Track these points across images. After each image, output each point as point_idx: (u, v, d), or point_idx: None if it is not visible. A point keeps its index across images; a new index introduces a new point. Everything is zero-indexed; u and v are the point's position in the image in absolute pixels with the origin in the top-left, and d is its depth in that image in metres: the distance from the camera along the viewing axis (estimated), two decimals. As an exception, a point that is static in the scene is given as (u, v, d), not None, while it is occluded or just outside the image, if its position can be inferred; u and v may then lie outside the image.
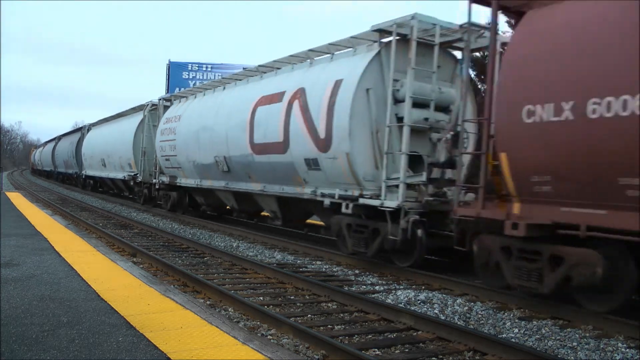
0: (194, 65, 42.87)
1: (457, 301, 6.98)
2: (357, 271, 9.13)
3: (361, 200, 9.20)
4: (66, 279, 6.22)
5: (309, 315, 6.28)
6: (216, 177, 14.31)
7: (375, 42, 9.56)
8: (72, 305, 5.05)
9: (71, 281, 6.10)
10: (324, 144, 9.80)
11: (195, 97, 16.48)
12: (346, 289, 7.50)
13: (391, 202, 8.63)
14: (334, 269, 9.29)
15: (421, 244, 8.47)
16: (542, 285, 6.33)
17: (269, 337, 5.33)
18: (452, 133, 8.08)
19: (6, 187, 32.03)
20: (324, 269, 9.30)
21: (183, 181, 16.38)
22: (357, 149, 9.27)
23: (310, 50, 11.06)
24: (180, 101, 17.58)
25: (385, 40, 9.32)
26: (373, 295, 7.17)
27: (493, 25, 7.15)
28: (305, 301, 6.98)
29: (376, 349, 5.16)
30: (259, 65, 12.89)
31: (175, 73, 42.47)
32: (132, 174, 21.29)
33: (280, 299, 7.08)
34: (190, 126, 15.31)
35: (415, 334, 5.69)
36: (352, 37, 9.94)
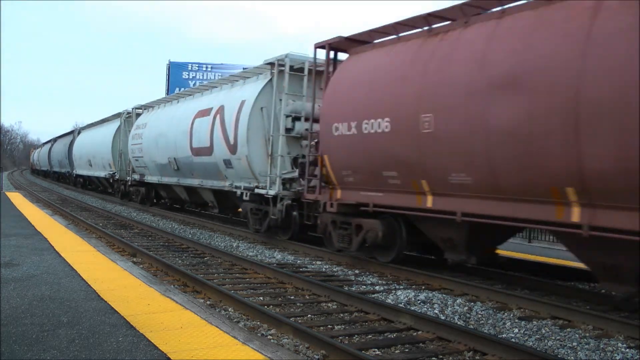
0: (194, 65, 42.89)
1: (457, 301, 6.98)
2: (357, 271, 9.14)
3: (256, 190, 12.24)
4: (66, 279, 6.22)
5: (309, 315, 6.28)
6: (171, 175, 17.58)
7: (269, 71, 12.46)
8: (72, 305, 5.05)
9: (71, 281, 6.10)
10: (233, 149, 12.84)
11: (159, 107, 19.79)
12: (346, 289, 7.50)
13: (272, 191, 11.62)
14: (334, 269, 9.29)
15: (295, 221, 11.50)
16: (351, 246, 9.39)
17: (269, 337, 5.33)
18: (316, 140, 10.19)
19: (6, 187, 32.03)
20: (324, 269, 9.30)
21: (149, 178, 19.61)
22: (254, 152, 12.23)
23: (232, 75, 15.01)
24: (148, 111, 20.79)
25: (274, 70, 12.04)
26: (373, 295, 7.17)
27: (326, 65, 10.04)
28: (305, 301, 6.98)
29: (376, 349, 5.16)
30: (200, 85, 17.29)
31: (175, 73, 42.49)
32: (111, 172, 24.71)
33: (280, 299, 7.08)
34: (152, 132, 18.55)
35: (415, 334, 5.69)
36: (255, 67, 13.22)
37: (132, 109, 22.50)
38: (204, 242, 11.70)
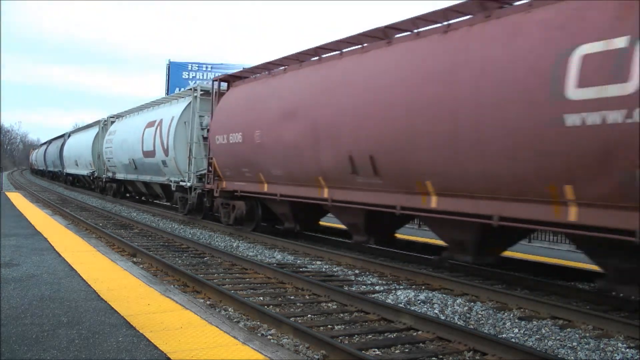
0: (193, 65, 42.93)
1: (457, 301, 6.98)
2: (357, 271, 9.14)
3: (181, 183, 16.65)
4: (66, 279, 6.22)
5: (309, 315, 6.28)
6: (132, 173, 21.82)
7: (191, 95, 17.02)
8: (72, 305, 5.05)
9: (71, 281, 6.10)
10: (167, 152, 17.32)
11: (125, 117, 24.46)
12: (346, 289, 7.50)
13: (189, 183, 16.06)
14: (334, 269, 9.29)
15: (205, 205, 15.23)
16: (229, 219, 13.47)
17: (269, 337, 5.33)
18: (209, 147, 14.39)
19: (6, 187, 32.03)
20: (324, 269, 9.30)
21: (118, 175, 23.86)
22: (179, 155, 16.71)
23: (168, 95, 20.26)
24: (120, 119, 25.36)
25: (193, 94, 16.74)
26: (373, 295, 7.17)
27: (212, 95, 14.44)
28: (305, 301, 6.98)
29: (376, 349, 5.16)
30: (152, 102, 21.35)
31: (175, 73, 42.53)
32: (92, 171, 29.40)
33: (280, 299, 7.08)
34: (119, 138, 22.95)
35: (415, 334, 5.68)
36: (183, 91, 18.72)
37: (107, 117, 27.75)
38: (203, 242, 11.70)
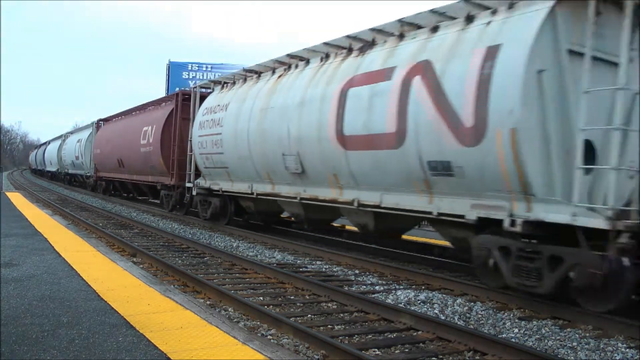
0: (194, 65, 42.90)
1: (457, 301, 6.98)
2: (357, 271, 9.14)
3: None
4: (66, 279, 6.22)
5: (309, 315, 6.28)
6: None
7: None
8: (72, 305, 5.05)
9: (71, 281, 6.10)
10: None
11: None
12: (346, 289, 7.50)
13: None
14: (334, 269, 9.29)
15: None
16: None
17: (269, 337, 5.32)
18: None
19: (6, 187, 32.02)
20: (324, 269, 9.30)
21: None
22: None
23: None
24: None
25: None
26: (373, 295, 7.17)
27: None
28: (305, 301, 6.98)
29: (376, 349, 5.16)
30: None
31: (175, 73, 42.51)
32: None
33: (280, 299, 7.08)
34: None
35: (415, 334, 5.68)
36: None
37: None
38: (203, 242, 11.70)
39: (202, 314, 4.97)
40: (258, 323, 5.78)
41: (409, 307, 6.65)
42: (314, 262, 9.91)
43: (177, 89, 34.24)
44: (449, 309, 6.66)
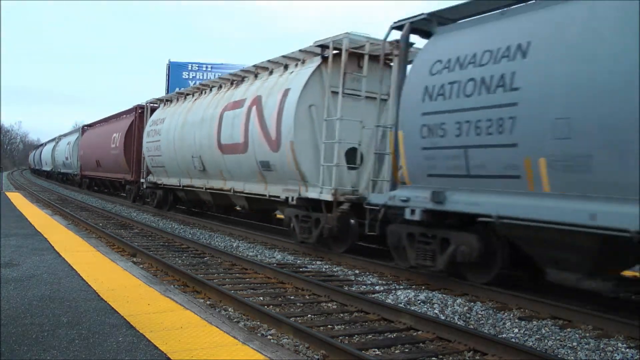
0: (194, 65, 42.87)
1: (457, 301, 6.98)
2: (357, 271, 9.14)
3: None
4: (66, 279, 6.22)
5: (309, 315, 6.28)
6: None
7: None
8: (72, 305, 5.05)
9: (71, 281, 6.09)
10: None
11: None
12: (346, 289, 7.50)
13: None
14: (334, 269, 9.29)
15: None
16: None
17: (269, 337, 5.33)
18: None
19: (6, 187, 32.03)
20: (324, 269, 9.30)
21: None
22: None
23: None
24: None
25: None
26: (373, 295, 7.17)
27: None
28: (305, 301, 6.98)
29: (376, 349, 5.16)
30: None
31: (175, 73, 42.47)
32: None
33: (280, 299, 7.08)
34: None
35: (415, 334, 5.68)
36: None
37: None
38: (204, 242, 11.70)
39: (202, 314, 4.97)
40: (258, 323, 5.78)
41: (409, 307, 6.65)
42: (314, 262, 9.91)
43: (178, 88, 34.26)
44: (449, 309, 6.66)
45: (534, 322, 6.18)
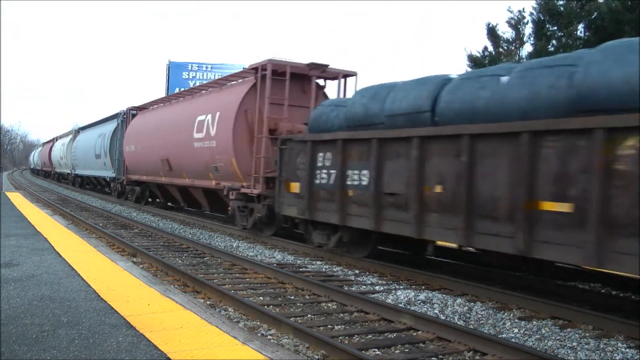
0: (194, 65, 42.87)
1: (457, 301, 6.98)
2: (357, 271, 9.14)
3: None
4: (66, 279, 6.22)
5: (309, 315, 6.28)
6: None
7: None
8: (72, 305, 5.05)
9: (71, 281, 6.10)
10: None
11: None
12: (346, 289, 7.50)
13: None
14: (334, 269, 9.29)
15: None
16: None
17: (269, 337, 5.33)
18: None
19: (6, 187, 32.03)
20: (324, 269, 9.30)
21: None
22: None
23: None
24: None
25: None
26: (373, 295, 7.17)
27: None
28: (305, 301, 6.98)
29: (376, 349, 5.16)
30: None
31: (175, 73, 42.48)
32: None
33: (280, 299, 7.08)
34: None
35: (415, 334, 5.69)
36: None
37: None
38: (204, 242, 11.70)
39: (202, 314, 4.97)
40: (258, 323, 5.78)
41: (409, 307, 6.65)
42: (314, 262, 9.91)
43: (178, 89, 34.31)
44: (449, 309, 6.66)
45: (534, 322, 6.18)
